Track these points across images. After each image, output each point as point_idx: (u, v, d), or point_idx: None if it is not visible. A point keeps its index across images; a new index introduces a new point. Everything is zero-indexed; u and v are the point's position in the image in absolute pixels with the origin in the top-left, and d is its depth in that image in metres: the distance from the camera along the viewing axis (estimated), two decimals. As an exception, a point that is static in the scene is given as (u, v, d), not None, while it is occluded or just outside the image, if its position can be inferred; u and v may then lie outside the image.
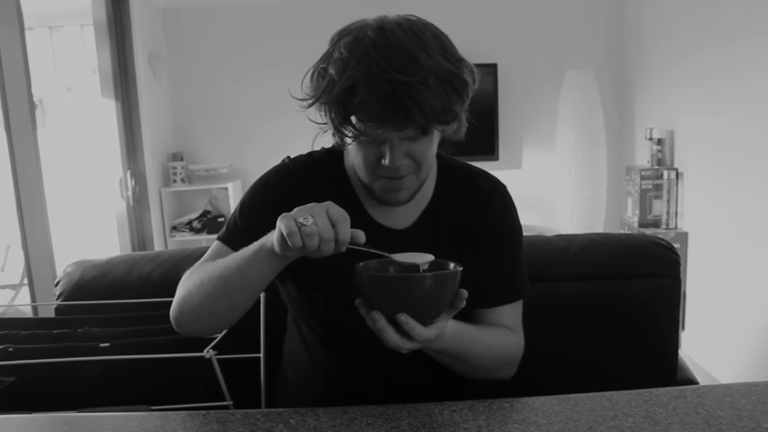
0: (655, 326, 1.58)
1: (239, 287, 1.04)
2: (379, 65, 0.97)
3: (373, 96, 0.97)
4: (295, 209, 0.93)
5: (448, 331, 1.02)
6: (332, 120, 1.04)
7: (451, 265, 0.97)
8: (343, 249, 0.93)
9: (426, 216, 1.20)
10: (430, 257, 0.98)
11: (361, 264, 0.96)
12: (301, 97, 1.08)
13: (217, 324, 1.12)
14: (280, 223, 0.92)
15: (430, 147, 1.08)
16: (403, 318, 0.91)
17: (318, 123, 1.09)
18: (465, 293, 0.97)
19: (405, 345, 0.95)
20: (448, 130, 1.08)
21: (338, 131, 1.05)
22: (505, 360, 1.19)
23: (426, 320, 0.93)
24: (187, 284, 1.10)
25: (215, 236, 1.21)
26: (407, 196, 1.11)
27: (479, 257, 1.19)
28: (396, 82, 0.96)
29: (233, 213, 1.21)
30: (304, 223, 0.89)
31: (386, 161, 1.04)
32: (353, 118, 1.01)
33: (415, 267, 0.97)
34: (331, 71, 1.01)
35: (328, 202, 0.94)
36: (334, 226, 0.91)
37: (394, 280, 0.96)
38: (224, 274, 1.04)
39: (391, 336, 0.94)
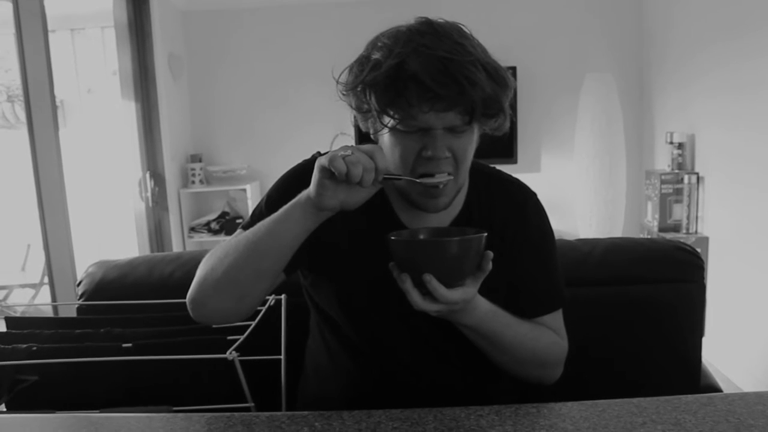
0: (679, 332, 1.56)
1: (268, 251, 1.03)
2: (428, 46, 0.98)
3: (424, 70, 0.96)
4: (328, 153, 0.96)
5: (481, 308, 1.04)
6: (377, 103, 1.02)
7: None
8: (380, 178, 0.96)
9: (458, 222, 1.19)
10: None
11: (393, 232, 1.01)
12: (338, 89, 1.07)
13: (239, 299, 1.08)
14: (321, 159, 0.95)
15: (471, 145, 1.08)
16: (428, 277, 0.94)
17: (358, 111, 1.08)
18: (491, 254, 0.99)
19: (429, 306, 0.97)
20: (492, 123, 1.08)
21: (381, 116, 1.03)
22: (544, 357, 1.18)
23: (451, 283, 0.97)
24: (209, 261, 1.08)
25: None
26: (446, 202, 1.10)
27: (514, 267, 1.18)
28: (447, 60, 0.97)
29: (259, 203, 1.20)
30: (347, 153, 0.93)
31: (429, 152, 1.03)
32: (400, 100, 0.99)
33: (443, 231, 1.08)
34: (376, 55, 1.01)
35: (353, 145, 0.98)
36: (370, 157, 0.94)
37: (419, 244, 1.02)
38: (252, 239, 1.03)
39: (415, 298, 0.97)
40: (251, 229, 1.05)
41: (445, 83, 0.96)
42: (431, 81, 0.96)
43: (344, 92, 1.07)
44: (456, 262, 0.97)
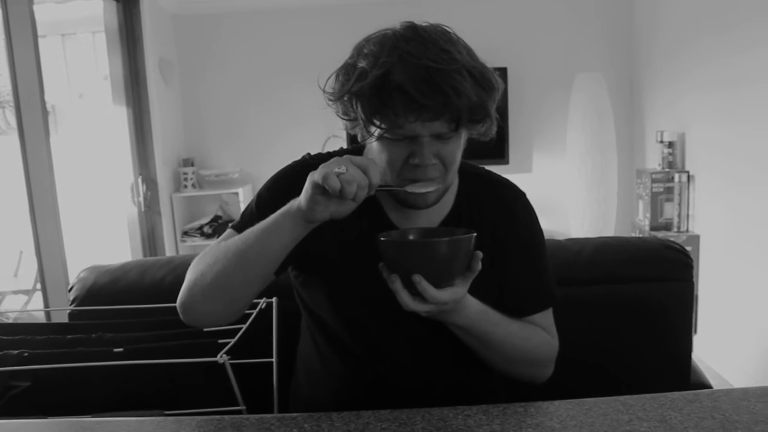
0: (669, 330, 1.57)
1: (257, 259, 1.03)
2: (413, 55, 0.98)
3: (409, 81, 0.96)
4: (321, 165, 0.95)
5: (471, 307, 1.05)
6: (363, 113, 1.02)
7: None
8: (373, 192, 0.96)
9: (447, 222, 1.19)
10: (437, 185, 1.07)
11: (383, 233, 1.02)
12: (325, 97, 1.07)
13: (228, 304, 1.09)
14: (314, 174, 0.94)
15: (458, 150, 1.09)
16: (417, 278, 0.95)
17: (345, 119, 1.08)
18: (480, 254, 1.00)
19: (419, 307, 0.98)
20: (479, 129, 1.08)
21: (368, 125, 1.03)
22: (535, 356, 1.19)
23: (440, 283, 0.97)
24: (198, 266, 1.09)
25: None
26: (434, 198, 1.10)
27: (503, 267, 1.18)
28: (432, 68, 0.97)
29: (249, 204, 1.20)
30: (341, 171, 0.92)
31: (416, 160, 1.03)
32: (386, 110, 1.00)
33: (432, 231, 1.10)
34: (362, 64, 1.01)
35: (347, 156, 0.97)
36: (364, 172, 0.94)
37: (409, 245, 1.03)
38: (241, 247, 1.03)
39: (405, 298, 0.98)
40: (240, 236, 1.05)
41: (431, 94, 0.96)
42: (416, 92, 0.96)
43: (331, 100, 1.08)
44: (445, 263, 0.98)
